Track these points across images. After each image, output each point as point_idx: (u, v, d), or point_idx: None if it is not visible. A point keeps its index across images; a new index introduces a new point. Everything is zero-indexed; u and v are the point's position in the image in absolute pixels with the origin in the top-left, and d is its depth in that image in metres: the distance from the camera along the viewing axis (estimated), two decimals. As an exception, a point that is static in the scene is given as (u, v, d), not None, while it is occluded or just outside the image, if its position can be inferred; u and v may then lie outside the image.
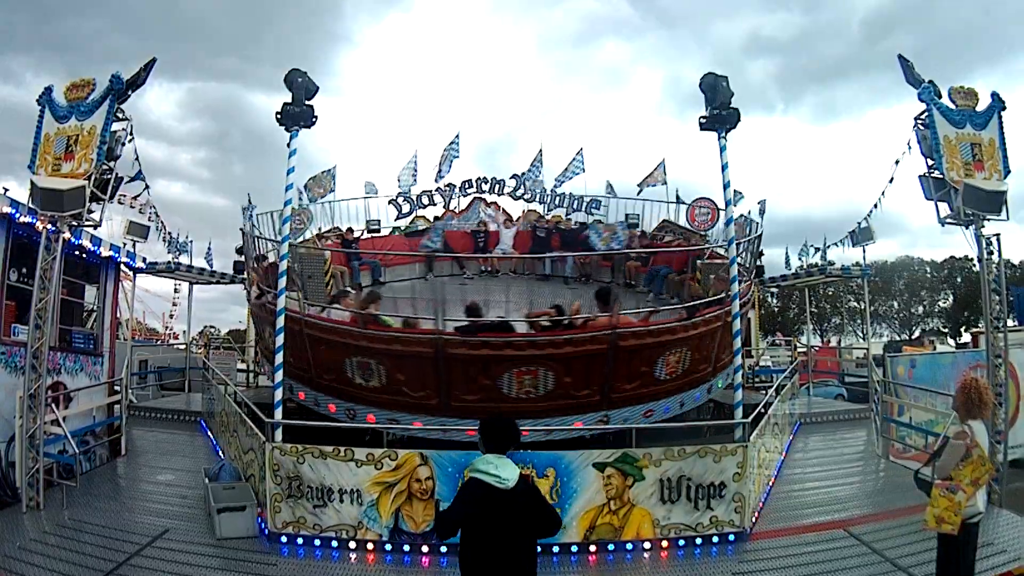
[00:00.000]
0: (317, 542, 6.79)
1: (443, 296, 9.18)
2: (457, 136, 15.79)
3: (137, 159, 9.13)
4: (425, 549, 6.75)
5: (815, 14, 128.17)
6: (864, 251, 14.49)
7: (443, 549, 6.72)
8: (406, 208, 15.31)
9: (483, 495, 3.85)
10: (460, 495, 4.04)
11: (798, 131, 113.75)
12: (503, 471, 3.88)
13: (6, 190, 9.12)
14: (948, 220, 8.35)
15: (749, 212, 12.46)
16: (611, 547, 6.81)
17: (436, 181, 15.69)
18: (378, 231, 15.42)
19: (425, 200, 15.53)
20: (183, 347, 18.37)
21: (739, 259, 10.37)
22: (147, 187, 10.76)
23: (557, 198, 15.72)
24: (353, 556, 6.68)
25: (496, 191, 15.74)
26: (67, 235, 8.11)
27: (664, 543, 6.88)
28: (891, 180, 11.09)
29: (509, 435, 4.09)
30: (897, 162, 10.21)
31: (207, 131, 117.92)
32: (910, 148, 8.91)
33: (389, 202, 15.23)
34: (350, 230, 14.83)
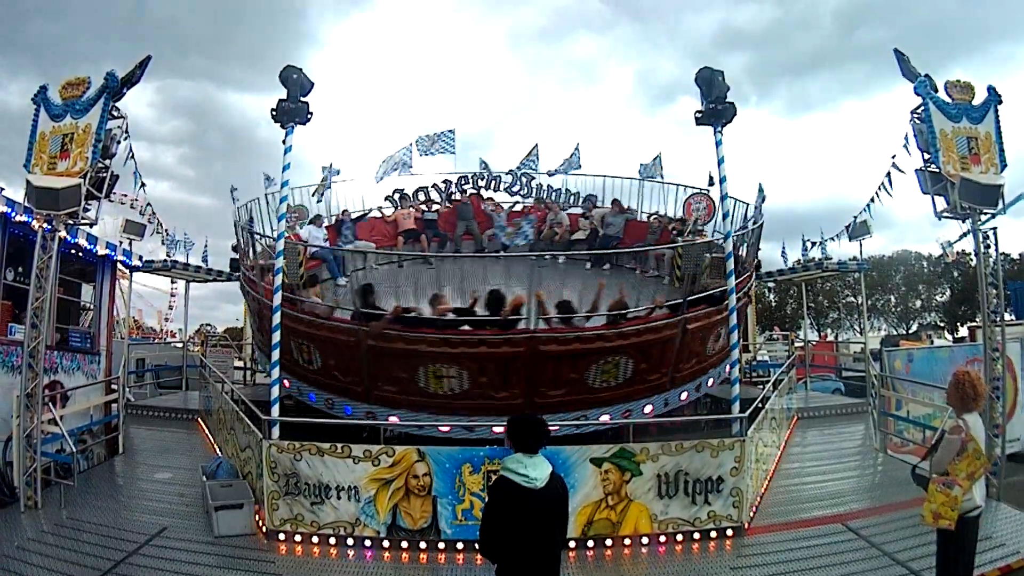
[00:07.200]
0: (315, 539, 6.78)
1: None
2: (452, 131, 15.67)
3: (132, 157, 9.11)
4: (423, 546, 6.75)
5: (787, 6, 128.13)
6: (860, 246, 14.46)
7: (440, 546, 6.74)
8: (403, 204, 15.23)
9: (511, 494, 3.85)
10: (490, 498, 4.04)
11: (773, 124, 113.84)
12: (533, 470, 3.87)
13: (1, 189, 9.11)
14: (945, 214, 8.35)
15: (748, 205, 12.42)
16: (609, 542, 6.81)
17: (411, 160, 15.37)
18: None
19: (422, 196, 15.48)
20: (180, 345, 18.33)
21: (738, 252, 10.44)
22: (143, 185, 10.75)
23: (553, 193, 15.69)
24: (351, 553, 6.68)
25: (492, 187, 15.71)
26: (63, 234, 8.08)
27: (662, 538, 6.88)
28: (888, 176, 11.04)
29: (539, 433, 4.04)
30: (894, 156, 10.20)
31: (186, 130, 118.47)
32: (907, 141, 8.91)
33: (386, 198, 15.16)
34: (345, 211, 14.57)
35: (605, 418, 8.89)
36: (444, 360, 8.48)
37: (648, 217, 14.81)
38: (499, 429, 7.67)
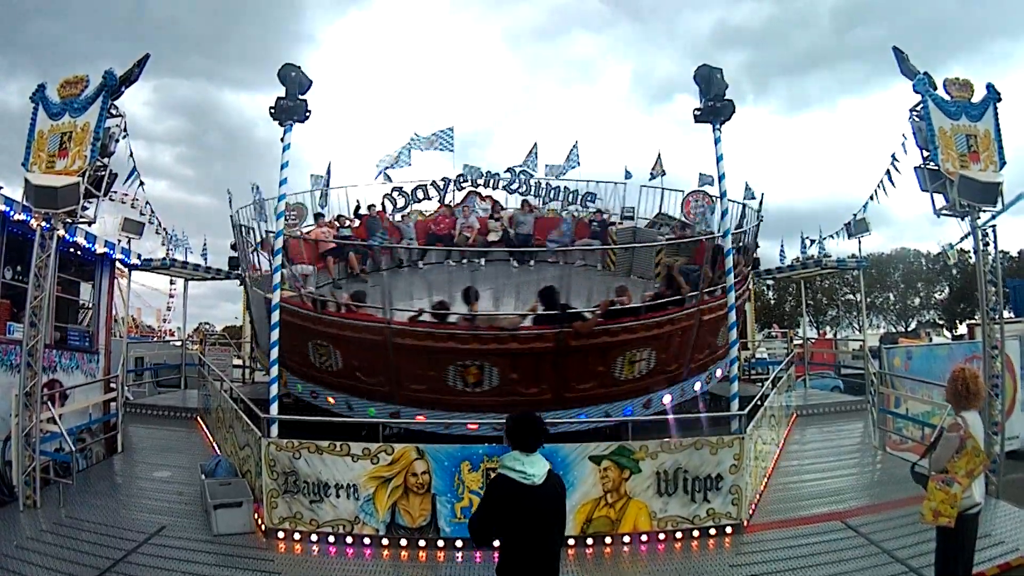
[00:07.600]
0: (314, 538, 6.78)
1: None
2: (451, 130, 15.67)
3: (131, 155, 9.10)
4: (422, 544, 6.75)
5: (784, 4, 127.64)
6: (859, 243, 14.45)
7: (439, 544, 6.74)
8: (401, 202, 15.23)
9: (510, 492, 3.85)
10: (487, 494, 4.07)
11: (771, 122, 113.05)
12: (530, 467, 3.87)
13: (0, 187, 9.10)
14: (944, 212, 8.35)
15: (744, 206, 12.44)
16: (608, 540, 6.82)
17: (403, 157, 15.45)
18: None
19: (420, 194, 15.47)
20: (179, 343, 18.31)
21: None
22: (142, 183, 10.71)
23: (552, 191, 15.70)
24: (350, 551, 6.69)
25: (491, 185, 15.71)
26: (62, 232, 8.06)
27: (661, 536, 6.89)
28: (887, 173, 11.07)
29: (537, 432, 4.03)
30: (893, 155, 10.22)
31: (184, 129, 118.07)
32: (905, 139, 8.91)
33: (384, 196, 15.17)
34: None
35: (719, 373, 10.27)
36: (639, 344, 9.01)
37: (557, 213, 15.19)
38: (667, 400, 9.21)
